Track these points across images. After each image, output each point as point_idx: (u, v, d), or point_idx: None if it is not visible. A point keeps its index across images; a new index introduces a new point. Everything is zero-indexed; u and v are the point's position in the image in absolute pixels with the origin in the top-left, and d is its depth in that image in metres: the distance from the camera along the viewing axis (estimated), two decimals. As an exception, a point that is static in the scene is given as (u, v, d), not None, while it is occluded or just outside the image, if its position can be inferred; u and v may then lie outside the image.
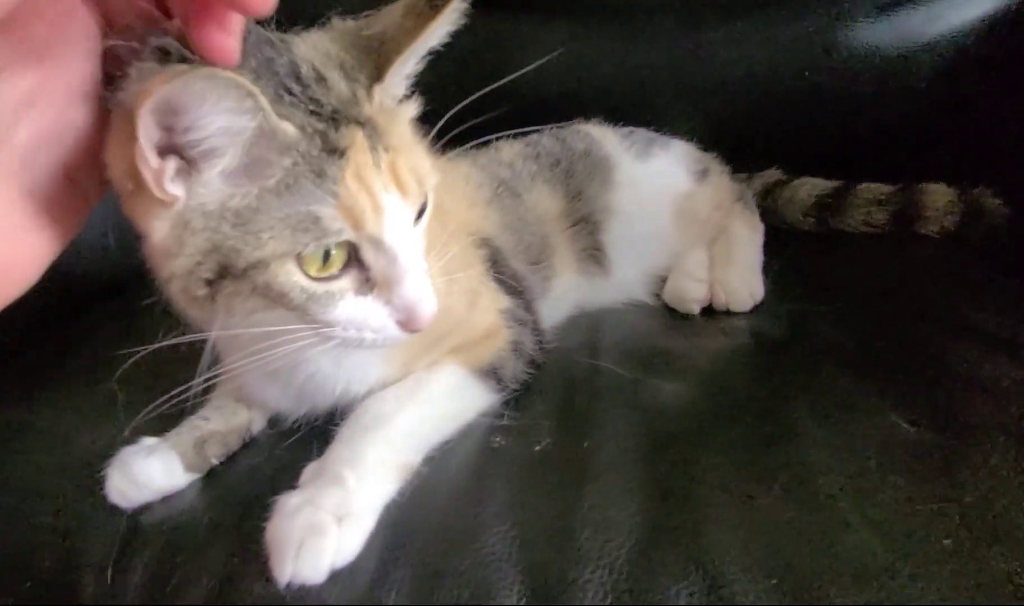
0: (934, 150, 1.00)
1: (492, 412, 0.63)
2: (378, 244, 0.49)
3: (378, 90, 0.51)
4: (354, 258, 0.49)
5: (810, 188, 1.01)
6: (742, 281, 0.86)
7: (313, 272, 0.48)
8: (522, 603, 0.47)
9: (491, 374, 0.64)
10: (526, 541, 0.50)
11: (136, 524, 0.56)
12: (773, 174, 1.06)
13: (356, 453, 0.54)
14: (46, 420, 0.69)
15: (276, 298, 0.48)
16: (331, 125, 0.48)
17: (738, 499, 0.51)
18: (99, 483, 0.57)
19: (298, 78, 0.48)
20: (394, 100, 0.54)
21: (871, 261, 0.91)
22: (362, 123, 0.49)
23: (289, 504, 0.50)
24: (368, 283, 0.50)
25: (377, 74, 0.51)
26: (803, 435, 0.58)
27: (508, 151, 0.91)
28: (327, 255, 0.48)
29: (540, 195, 0.88)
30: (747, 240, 0.93)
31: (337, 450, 0.55)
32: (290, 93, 0.47)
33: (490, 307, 0.68)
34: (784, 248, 0.93)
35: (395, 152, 0.50)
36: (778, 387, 0.65)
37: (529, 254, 0.81)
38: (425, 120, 0.57)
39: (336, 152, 0.47)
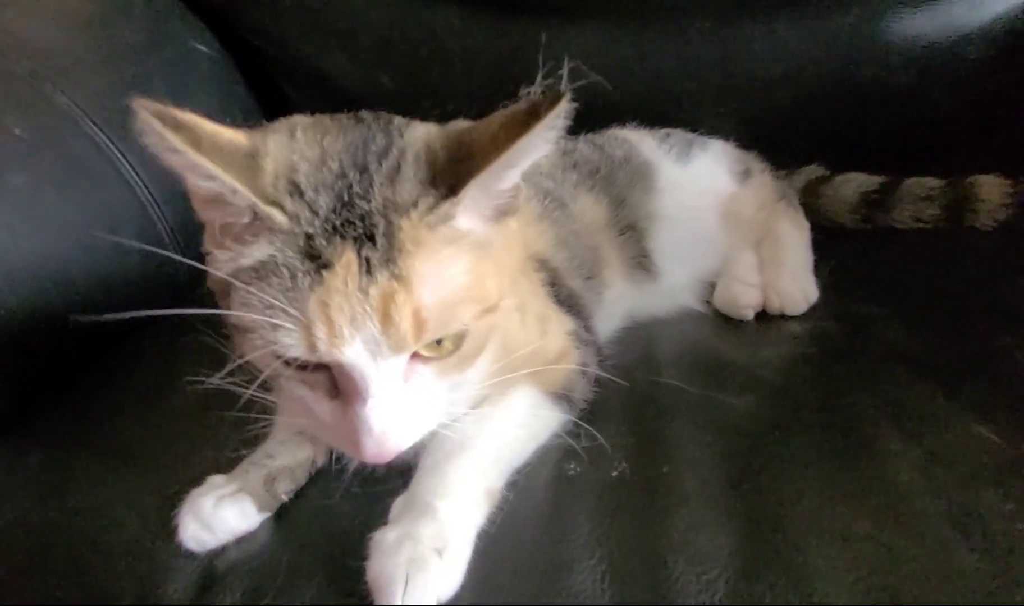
0: (984, 141, 0.98)
1: (563, 433, 0.61)
2: (339, 364, 0.46)
3: (447, 206, 0.47)
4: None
5: (855, 184, 0.99)
6: (795, 283, 0.84)
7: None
8: (621, 642, 0.46)
9: (564, 397, 0.62)
10: (617, 575, 0.49)
11: (212, 567, 0.55)
12: (814, 170, 1.04)
13: (443, 482, 0.53)
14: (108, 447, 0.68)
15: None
16: (326, 233, 0.45)
17: (833, 526, 0.50)
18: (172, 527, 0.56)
19: (365, 168, 0.48)
20: (482, 220, 0.50)
21: (925, 257, 0.89)
22: (370, 238, 0.45)
23: (387, 540, 0.48)
24: (337, 389, 0.49)
25: (453, 189, 0.47)
26: (888, 452, 0.57)
27: (544, 161, 0.89)
28: None
29: (585, 204, 0.86)
30: (795, 240, 0.91)
31: (423, 481, 0.53)
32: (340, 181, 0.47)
33: (559, 330, 0.66)
34: (832, 246, 0.91)
35: (404, 283, 0.45)
36: (852, 398, 0.64)
37: (583, 269, 0.79)
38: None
39: (317, 261, 0.45)
